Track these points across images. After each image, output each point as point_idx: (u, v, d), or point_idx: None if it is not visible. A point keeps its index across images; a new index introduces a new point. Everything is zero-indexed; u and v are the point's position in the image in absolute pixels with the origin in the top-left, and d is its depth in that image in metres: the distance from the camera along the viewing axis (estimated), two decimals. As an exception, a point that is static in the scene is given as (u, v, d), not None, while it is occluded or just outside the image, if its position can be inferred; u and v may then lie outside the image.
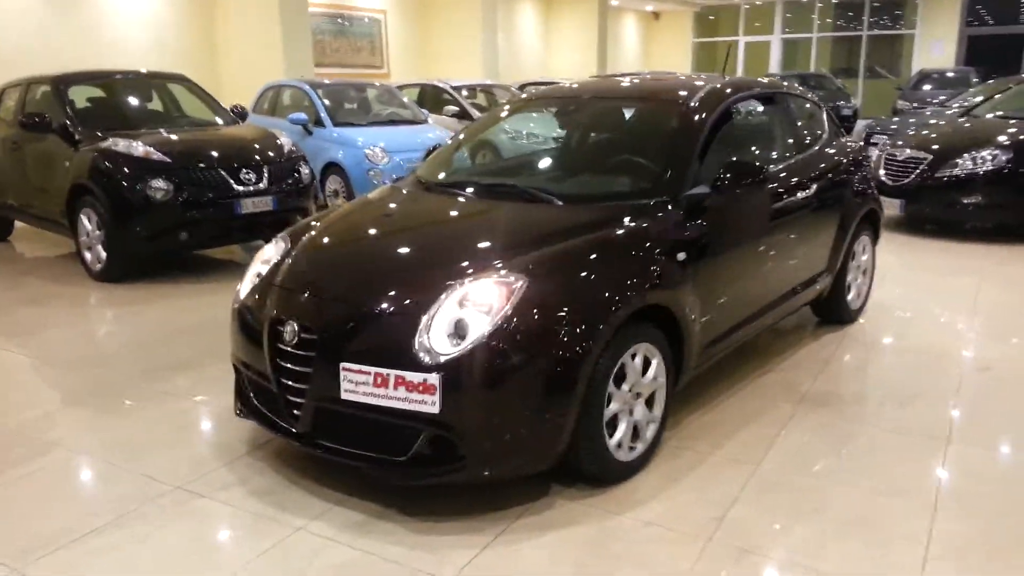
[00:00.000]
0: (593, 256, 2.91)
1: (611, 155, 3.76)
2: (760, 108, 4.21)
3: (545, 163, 4.12)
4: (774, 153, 4.21)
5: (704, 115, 3.52)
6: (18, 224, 7.79)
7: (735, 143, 3.76)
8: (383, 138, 8.79)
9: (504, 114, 4.30)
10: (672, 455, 3.20)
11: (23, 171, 6.92)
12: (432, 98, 12.06)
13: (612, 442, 2.90)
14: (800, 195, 4.05)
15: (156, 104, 7.40)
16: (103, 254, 6.00)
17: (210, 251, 6.88)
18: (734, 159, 3.41)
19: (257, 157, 6.30)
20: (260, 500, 2.92)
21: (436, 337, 2.62)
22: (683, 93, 3.65)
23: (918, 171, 7.43)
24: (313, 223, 3.46)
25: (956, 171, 7.19)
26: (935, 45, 22.92)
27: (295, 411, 2.87)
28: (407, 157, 8.63)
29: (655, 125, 3.76)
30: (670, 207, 3.21)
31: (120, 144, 5.97)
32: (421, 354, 2.59)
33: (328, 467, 3.09)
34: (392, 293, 2.78)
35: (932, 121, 8.88)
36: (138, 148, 5.92)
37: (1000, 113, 8.03)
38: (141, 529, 2.75)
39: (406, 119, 9.65)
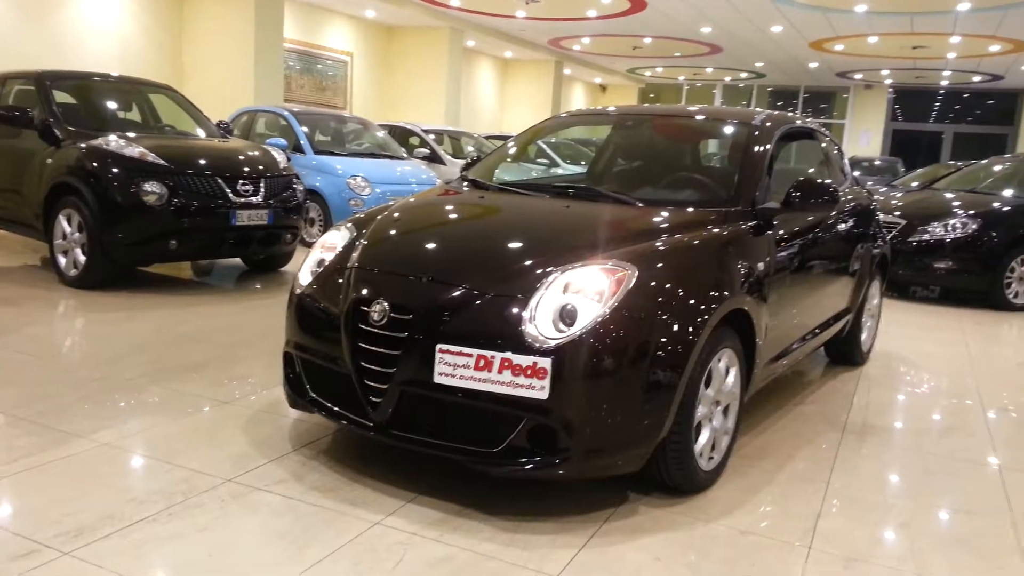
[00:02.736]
0: (691, 254, 2.87)
1: (681, 167, 3.78)
2: (803, 141, 4.32)
3: (613, 172, 4.10)
4: (821, 179, 4.30)
5: (771, 136, 3.59)
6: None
7: (787, 169, 3.82)
8: (363, 169, 8.67)
9: (555, 129, 4.28)
10: (740, 472, 3.13)
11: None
12: (400, 140, 12.01)
13: (696, 448, 2.81)
14: (839, 228, 4.14)
15: (137, 111, 7.11)
16: (81, 259, 5.61)
17: (153, 269, 6.46)
18: (803, 178, 3.46)
19: (254, 169, 6.08)
20: (324, 495, 2.69)
21: (542, 321, 2.51)
22: (751, 116, 3.72)
23: (890, 236, 7.74)
24: (379, 213, 3.31)
25: (926, 237, 7.54)
26: (863, 136, 24.42)
27: (373, 398, 2.68)
28: (388, 190, 8.54)
29: (726, 142, 3.80)
30: (748, 218, 3.22)
31: (113, 142, 5.67)
32: (528, 338, 2.47)
33: (391, 463, 2.90)
34: (492, 276, 2.67)
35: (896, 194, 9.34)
36: (133, 148, 5.63)
37: (958, 189, 8.52)
38: (200, 519, 2.49)
39: (385, 153, 9.55)
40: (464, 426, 2.59)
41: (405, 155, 9.97)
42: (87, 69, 9.71)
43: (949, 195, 8.30)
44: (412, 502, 2.68)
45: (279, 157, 6.54)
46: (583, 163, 11.77)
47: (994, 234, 7.34)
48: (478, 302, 2.60)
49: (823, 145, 4.60)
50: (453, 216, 3.38)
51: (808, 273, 3.79)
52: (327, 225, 8.38)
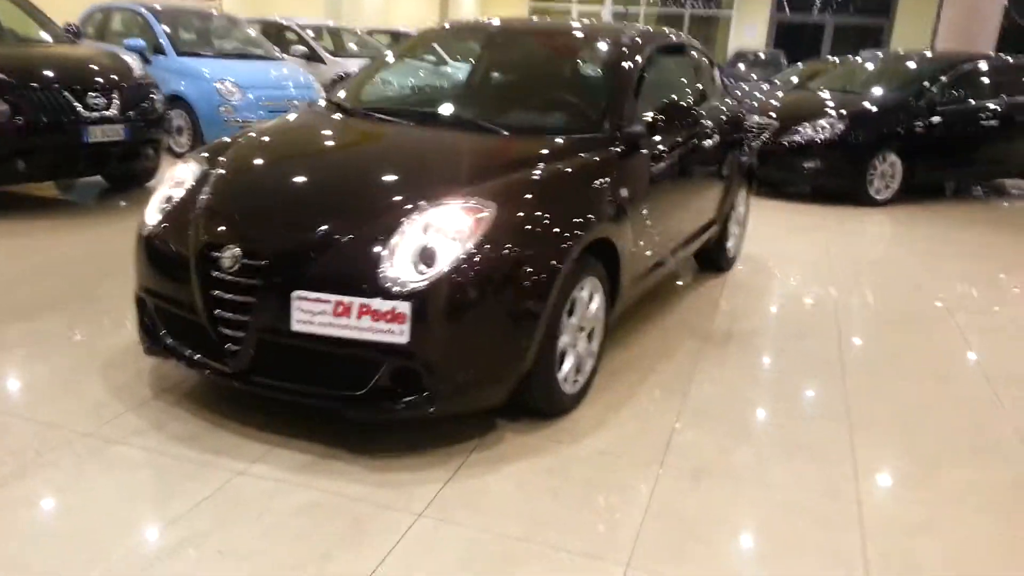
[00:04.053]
0: (555, 186, 2.87)
1: (549, 90, 3.71)
2: (673, 58, 4.32)
3: (480, 95, 3.98)
4: (686, 101, 4.33)
5: (640, 56, 3.56)
6: None
7: (656, 88, 3.82)
8: (233, 72, 8.17)
9: (426, 44, 4.12)
10: (605, 388, 3.26)
11: None
12: (275, 37, 11.33)
13: (560, 375, 2.90)
14: (706, 143, 4.22)
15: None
16: (-85, 183, 5.15)
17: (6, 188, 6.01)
18: (667, 101, 3.48)
19: (106, 80, 5.62)
20: (186, 445, 2.65)
21: (401, 264, 2.48)
22: (620, 34, 3.67)
23: (764, 136, 7.95)
24: (233, 143, 3.14)
25: (797, 137, 7.80)
26: (749, 29, 24.64)
27: (231, 346, 2.61)
28: (262, 95, 8.11)
29: (594, 63, 3.75)
30: (614, 143, 3.23)
31: (-62, 55, 5.11)
32: (387, 282, 2.44)
33: (254, 409, 2.86)
34: (349, 217, 2.60)
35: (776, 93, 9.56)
36: (-37, 61, 5.09)
37: (831, 88, 8.79)
38: (54, 479, 2.41)
39: (257, 54, 9.00)
40: (328, 370, 2.57)
41: (280, 55, 9.43)
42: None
43: (823, 95, 8.56)
44: (278, 446, 2.67)
45: (134, 64, 6.07)
46: (471, 60, 11.43)
47: (859, 134, 7.67)
48: (335, 245, 2.54)
49: (694, 56, 4.62)
50: (311, 148, 3.24)
51: (676, 191, 3.87)
52: (196, 135, 7.93)
